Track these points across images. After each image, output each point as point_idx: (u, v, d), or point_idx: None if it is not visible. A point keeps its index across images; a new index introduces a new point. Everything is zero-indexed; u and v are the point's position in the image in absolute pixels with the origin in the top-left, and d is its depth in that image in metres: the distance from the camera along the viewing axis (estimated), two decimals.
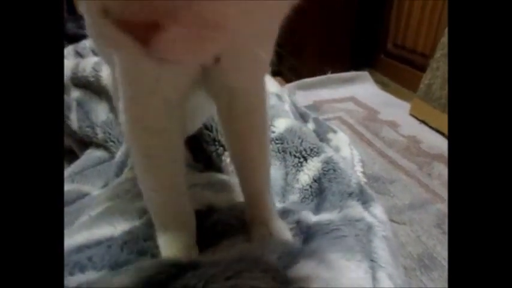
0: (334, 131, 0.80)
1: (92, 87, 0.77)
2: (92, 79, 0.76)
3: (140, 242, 0.39)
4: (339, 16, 1.30)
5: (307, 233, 0.40)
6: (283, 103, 0.82)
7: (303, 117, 0.84)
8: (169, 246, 0.38)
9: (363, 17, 1.32)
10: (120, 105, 0.34)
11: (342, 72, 1.27)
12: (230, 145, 0.41)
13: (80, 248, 0.38)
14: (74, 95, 0.80)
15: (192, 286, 0.30)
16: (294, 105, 0.89)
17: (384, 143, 0.89)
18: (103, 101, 0.76)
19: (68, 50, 0.92)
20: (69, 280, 0.35)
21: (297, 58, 1.35)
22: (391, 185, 0.72)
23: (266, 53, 0.32)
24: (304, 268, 0.33)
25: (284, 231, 0.41)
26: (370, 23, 1.34)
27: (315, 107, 1.09)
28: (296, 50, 1.33)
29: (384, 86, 1.27)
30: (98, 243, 0.39)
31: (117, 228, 0.41)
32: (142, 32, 0.17)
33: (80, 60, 0.83)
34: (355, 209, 0.42)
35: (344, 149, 0.71)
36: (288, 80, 1.33)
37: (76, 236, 0.40)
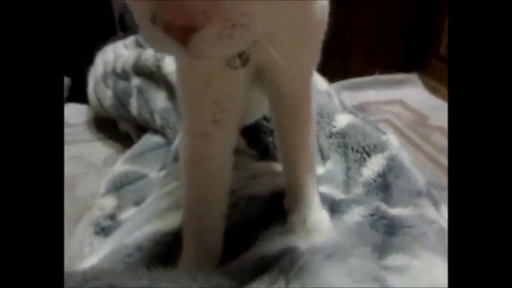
0: (384, 133, 0.79)
1: (153, 76, 0.81)
2: (153, 68, 0.80)
3: None
4: (390, 16, 1.27)
5: (390, 225, 0.41)
6: (332, 101, 0.82)
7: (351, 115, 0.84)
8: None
9: (415, 17, 1.28)
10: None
11: (390, 74, 1.24)
12: (277, 139, 0.43)
13: None
14: (134, 82, 0.85)
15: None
16: (342, 104, 0.89)
17: (434, 148, 0.86)
18: (162, 89, 0.80)
19: (130, 41, 0.97)
20: None
21: (343, 58, 1.34)
22: (443, 192, 0.71)
23: (308, 55, 0.35)
24: (397, 260, 0.34)
25: (322, 222, 0.41)
26: (423, 24, 1.30)
27: (362, 108, 1.08)
28: (343, 49, 1.32)
29: (433, 91, 1.23)
30: None
31: None
32: (181, 33, 0.20)
33: (142, 50, 0.88)
34: (429, 209, 0.42)
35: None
36: (332, 80, 1.32)
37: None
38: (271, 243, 0.38)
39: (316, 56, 0.37)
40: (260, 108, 0.54)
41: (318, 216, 0.42)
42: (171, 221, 0.42)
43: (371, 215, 0.41)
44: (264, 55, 0.32)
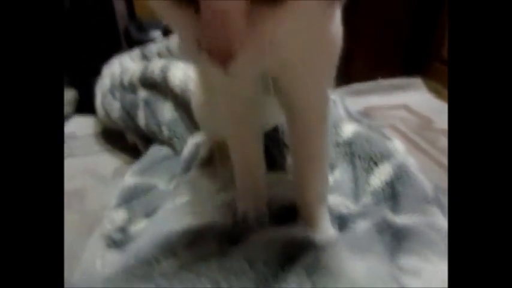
0: (389, 139, 0.79)
1: (159, 87, 0.82)
2: (159, 80, 0.82)
3: None
4: (392, 20, 1.28)
5: (395, 234, 0.41)
6: (337, 109, 0.83)
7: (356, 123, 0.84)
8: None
9: (417, 21, 1.29)
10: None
11: (393, 79, 1.25)
12: (291, 150, 0.47)
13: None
14: (141, 94, 0.86)
15: None
16: (347, 111, 0.90)
17: (441, 152, 0.86)
18: (168, 100, 0.81)
19: (136, 53, 0.99)
20: None
21: (345, 63, 1.34)
22: None
23: (322, 74, 0.40)
24: (410, 261, 0.35)
25: (326, 230, 0.44)
26: (424, 27, 1.30)
27: (366, 113, 1.08)
28: (345, 54, 1.33)
29: (437, 94, 1.23)
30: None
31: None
32: (221, 58, 0.25)
33: (148, 63, 0.89)
34: (437, 215, 0.42)
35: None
36: (335, 86, 1.33)
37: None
38: (294, 232, 0.41)
39: (329, 79, 0.41)
40: (274, 114, 0.56)
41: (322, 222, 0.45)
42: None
43: (376, 225, 0.42)
44: (281, 70, 0.36)
